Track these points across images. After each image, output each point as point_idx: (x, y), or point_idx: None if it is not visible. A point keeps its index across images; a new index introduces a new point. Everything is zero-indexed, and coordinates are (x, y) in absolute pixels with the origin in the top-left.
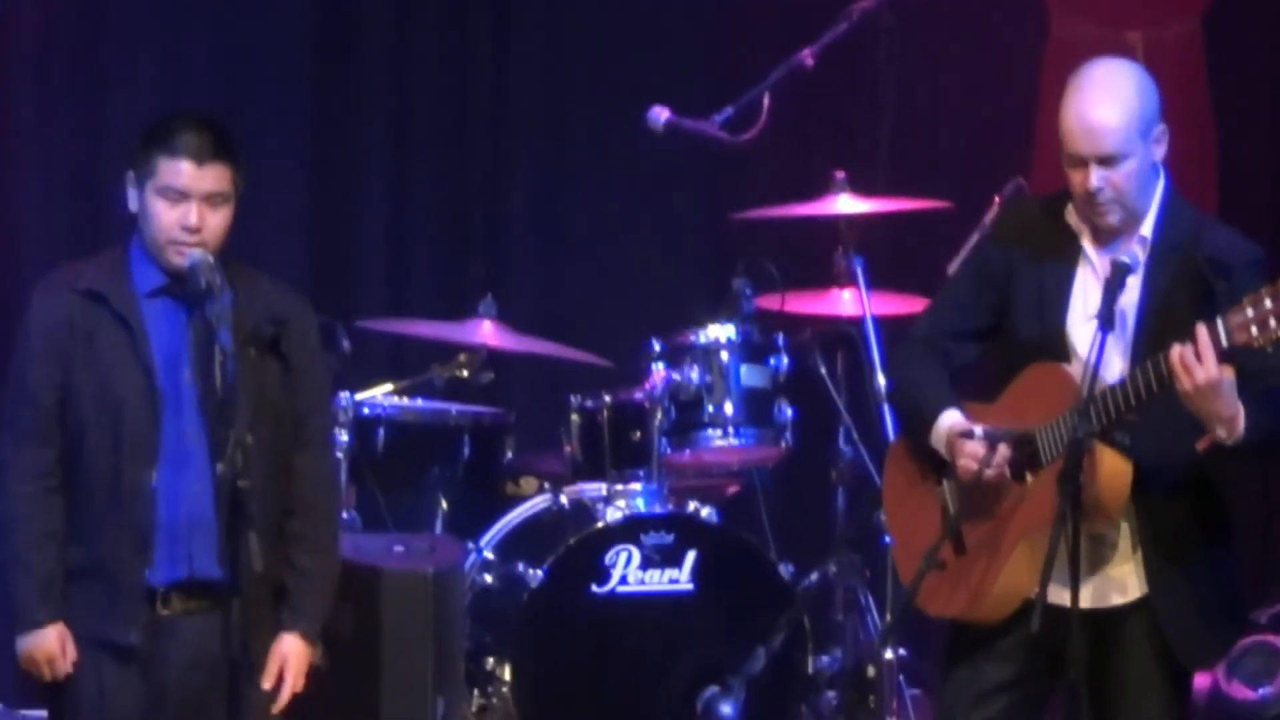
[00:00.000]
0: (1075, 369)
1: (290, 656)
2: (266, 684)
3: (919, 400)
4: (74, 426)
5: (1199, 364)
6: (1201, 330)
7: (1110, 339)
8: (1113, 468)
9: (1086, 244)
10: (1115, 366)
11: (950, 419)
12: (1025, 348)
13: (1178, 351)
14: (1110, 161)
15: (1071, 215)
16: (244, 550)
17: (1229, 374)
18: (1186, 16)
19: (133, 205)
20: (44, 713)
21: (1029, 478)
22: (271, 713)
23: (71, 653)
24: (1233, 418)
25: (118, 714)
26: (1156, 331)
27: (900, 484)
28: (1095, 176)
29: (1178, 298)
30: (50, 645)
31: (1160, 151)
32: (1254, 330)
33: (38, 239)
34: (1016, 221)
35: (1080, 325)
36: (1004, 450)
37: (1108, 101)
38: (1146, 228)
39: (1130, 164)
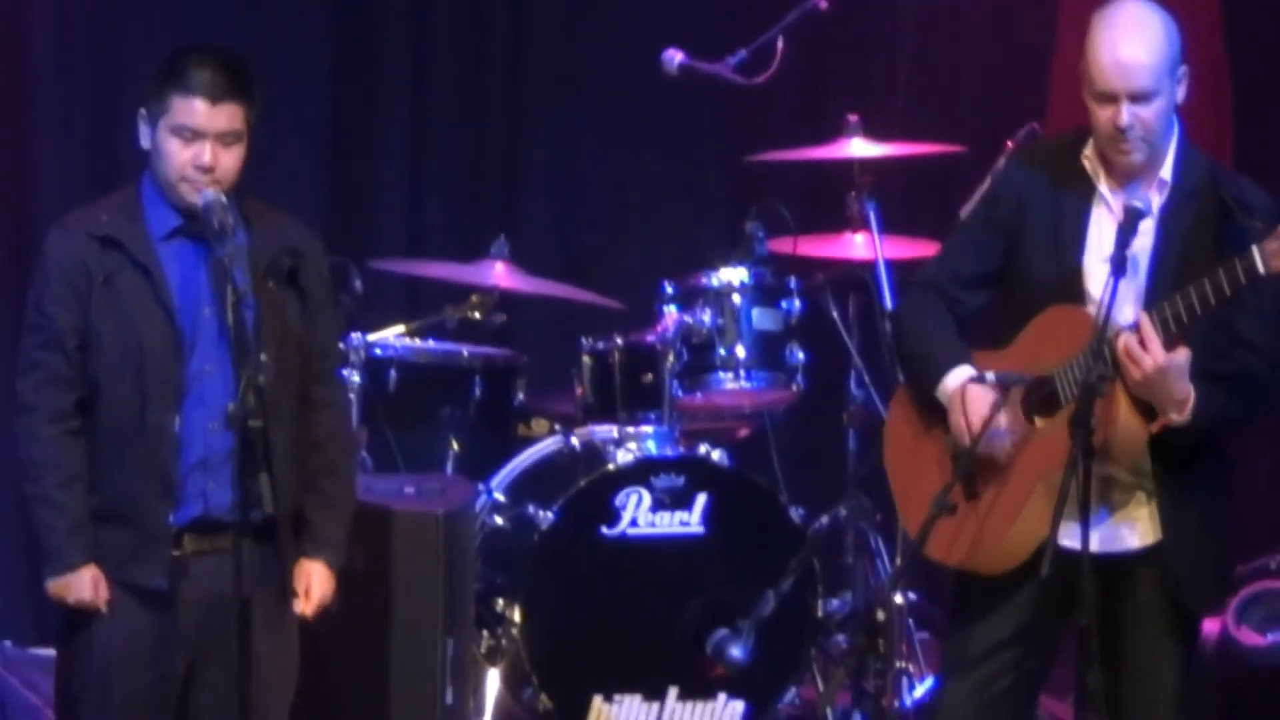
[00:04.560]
0: (1093, 310)
1: (314, 584)
2: (300, 608)
3: (928, 352)
4: (95, 371)
5: (1145, 352)
6: (1144, 318)
7: (1123, 282)
8: (1130, 414)
9: (1102, 185)
10: (1128, 311)
11: (961, 375)
12: (1038, 288)
13: (1124, 341)
14: (1141, 98)
15: (1087, 157)
16: (256, 490)
17: (1180, 356)
18: None
19: (145, 142)
20: (54, 651)
21: (1038, 421)
22: (290, 648)
23: (104, 593)
24: (1184, 400)
25: (131, 655)
26: (1171, 274)
27: (904, 432)
28: (1126, 113)
29: (1196, 240)
30: (84, 588)
31: (1181, 93)
32: None
33: (55, 181)
34: (1029, 162)
35: (1096, 265)
36: (1005, 415)
37: (1141, 39)
38: (1166, 171)
39: (1160, 102)
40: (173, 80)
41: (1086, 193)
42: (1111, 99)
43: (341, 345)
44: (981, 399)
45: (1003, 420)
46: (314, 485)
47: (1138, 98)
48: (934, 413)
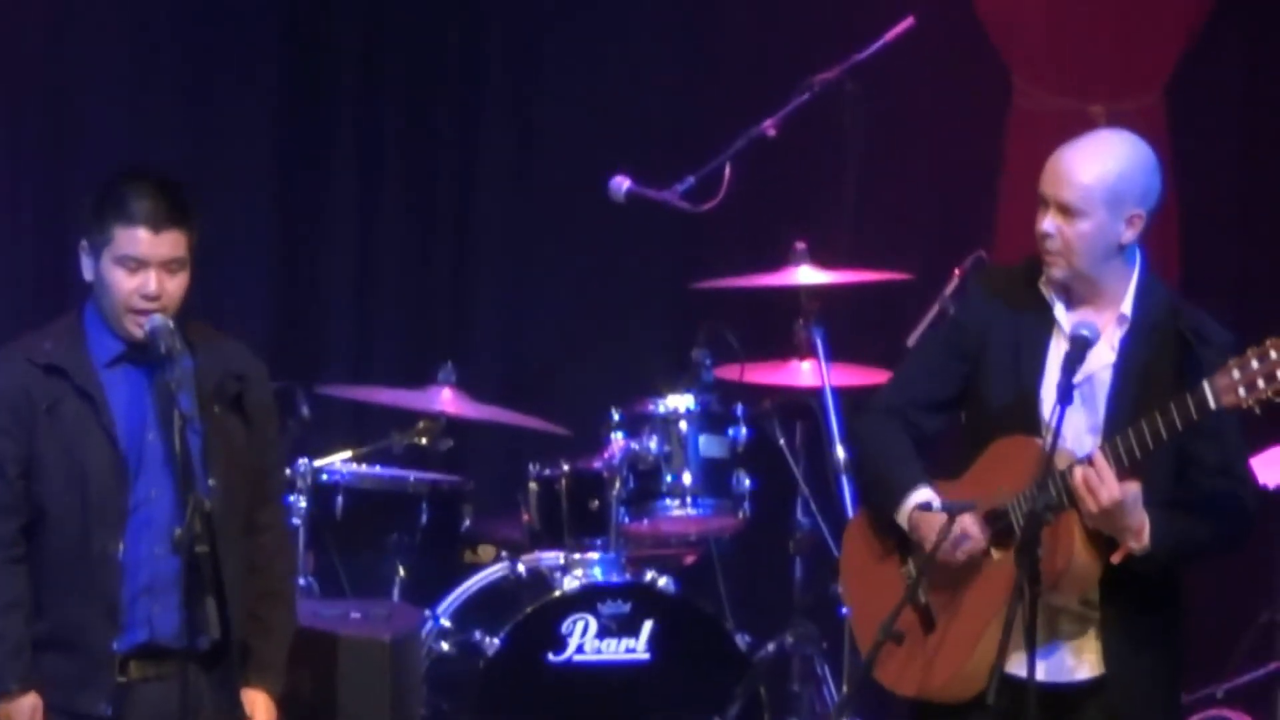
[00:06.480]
0: (1048, 439)
1: (259, 712)
2: None
3: (887, 475)
4: (40, 497)
5: (1101, 484)
6: (1098, 454)
7: (1081, 414)
8: (1085, 548)
9: (1059, 314)
10: (1086, 441)
11: (920, 497)
12: (995, 416)
13: (1080, 474)
14: (1065, 211)
15: (1044, 284)
16: (202, 616)
17: (1133, 488)
18: (1148, 90)
19: (88, 275)
20: None
21: (994, 553)
22: None
23: None
24: (1139, 529)
25: None
26: (1129, 406)
27: (861, 558)
28: (1047, 221)
29: (1155, 373)
30: (22, 716)
31: (1128, 235)
32: (1241, 392)
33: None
34: (991, 288)
35: (1052, 394)
36: (969, 522)
37: (1088, 156)
38: (1126, 305)
39: (1085, 224)
40: (113, 210)
41: (1046, 321)
42: (1044, 202)
43: (288, 470)
44: (931, 525)
45: (971, 527)
46: (255, 612)
47: (1063, 210)
48: (892, 537)
